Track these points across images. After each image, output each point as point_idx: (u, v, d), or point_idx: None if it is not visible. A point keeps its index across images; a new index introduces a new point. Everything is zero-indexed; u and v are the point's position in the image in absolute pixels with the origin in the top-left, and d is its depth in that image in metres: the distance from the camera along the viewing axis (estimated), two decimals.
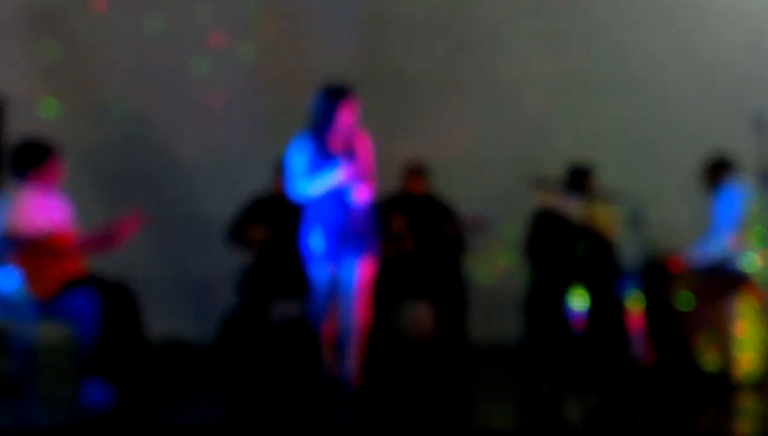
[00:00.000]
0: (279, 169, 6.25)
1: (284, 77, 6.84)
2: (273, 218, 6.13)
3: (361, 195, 4.74)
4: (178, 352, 5.76)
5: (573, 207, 4.97)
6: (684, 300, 5.17)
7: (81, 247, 4.75)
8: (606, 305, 5.51)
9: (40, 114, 6.65)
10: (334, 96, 4.76)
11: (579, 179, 5.95)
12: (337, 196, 4.74)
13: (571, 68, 6.98)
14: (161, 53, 6.80)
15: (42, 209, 4.72)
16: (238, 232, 6.13)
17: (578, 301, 4.80)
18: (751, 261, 5.26)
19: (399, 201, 6.29)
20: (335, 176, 4.68)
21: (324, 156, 4.74)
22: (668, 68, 6.86)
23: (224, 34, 6.90)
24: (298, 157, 4.79)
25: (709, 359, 5.27)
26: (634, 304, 4.93)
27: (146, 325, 4.81)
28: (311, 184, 4.74)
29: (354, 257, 4.77)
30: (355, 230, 4.76)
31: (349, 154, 4.74)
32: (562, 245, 5.58)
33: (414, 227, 6.11)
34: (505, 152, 6.80)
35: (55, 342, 4.91)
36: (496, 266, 6.84)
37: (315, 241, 4.81)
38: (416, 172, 6.37)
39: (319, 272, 4.82)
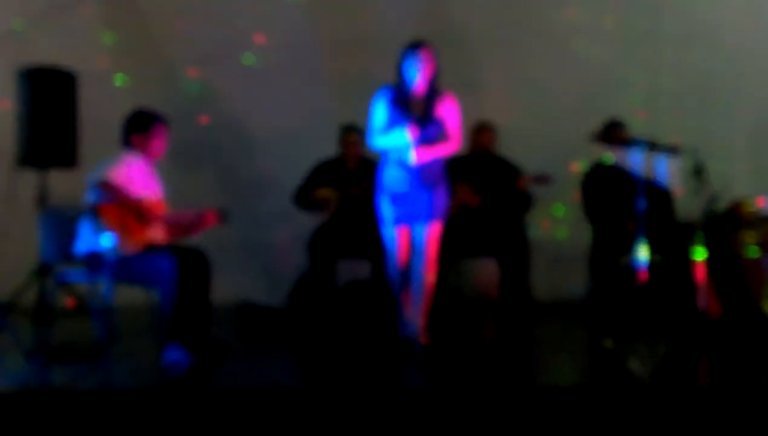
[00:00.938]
0: (344, 130, 6.36)
1: (348, 42, 6.89)
2: (340, 181, 6.24)
3: (420, 159, 4.79)
4: (251, 314, 5.91)
5: (633, 160, 4.94)
6: (750, 250, 5.14)
7: (168, 221, 4.93)
8: (670, 257, 5.50)
9: (111, 89, 6.84)
10: (409, 48, 4.81)
11: (612, 132, 5.90)
12: (398, 158, 4.83)
13: (635, 22, 6.89)
14: (227, 24, 6.91)
15: (141, 176, 4.90)
16: (304, 195, 6.26)
17: (641, 253, 4.80)
18: None
19: (466, 159, 6.32)
20: (400, 136, 4.77)
21: (401, 112, 4.81)
22: (735, 20, 6.72)
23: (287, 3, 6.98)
24: (377, 111, 4.89)
25: None
26: (699, 255, 4.92)
27: (215, 289, 4.97)
28: (382, 140, 4.85)
29: (424, 218, 4.85)
30: (423, 193, 4.83)
31: (426, 115, 4.78)
32: (623, 198, 5.57)
33: (480, 185, 6.15)
34: (567, 109, 6.76)
35: (136, 305, 5.11)
36: (558, 222, 6.85)
37: (384, 201, 4.91)
38: (484, 129, 6.40)
39: (390, 232, 4.92)
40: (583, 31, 6.87)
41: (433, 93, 4.83)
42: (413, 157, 4.79)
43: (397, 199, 4.87)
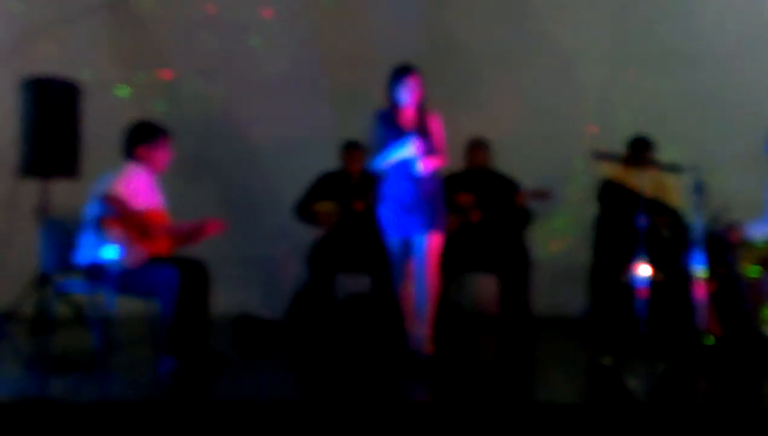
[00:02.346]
0: (346, 147, 6.38)
1: (348, 55, 6.92)
2: (342, 194, 6.24)
3: (426, 168, 4.94)
4: (249, 326, 5.91)
5: (637, 178, 4.96)
6: (750, 270, 5.14)
7: (170, 233, 4.94)
8: (671, 276, 5.50)
9: (113, 100, 6.85)
10: (398, 73, 5.01)
11: (640, 151, 5.93)
12: (408, 170, 4.96)
13: (631, 39, 6.91)
14: (229, 36, 6.93)
15: (144, 188, 4.89)
16: (305, 208, 6.26)
17: (642, 272, 4.80)
18: None
19: (463, 175, 6.35)
20: (404, 150, 4.90)
21: (396, 131, 4.97)
22: (734, 39, 6.73)
23: (287, 14, 6.99)
24: (371, 131, 5.06)
25: None
26: (699, 274, 4.92)
27: (214, 302, 4.97)
28: (381, 158, 4.99)
29: (423, 228, 4.94)
30: (424, 204, 4.96)
31: (421, 130, 4.97)
32: (627, 216, 5.57)
33: (478, 201, 6.16)
34: (564, 125, 6.78)
35: (133, 315, 5.10)
36: (558, 238, 6.85)
37: (386, 214, 5.02)
38: (478, 146, 6.42)
39: (393, 243, 5.03)
40: (581, 49, 6.88)
41: (422, 112, 5.04)
42: (420, 167, 4.92)
43: (397, 211, 4.98)
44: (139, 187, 4.85)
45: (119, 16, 7.03)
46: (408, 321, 5.03)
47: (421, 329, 4.96)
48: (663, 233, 5.73)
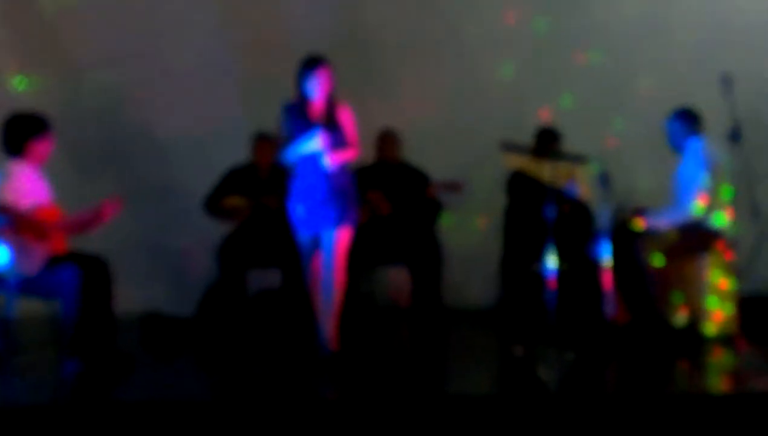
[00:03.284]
0: (256, 139, 6.29)
1: (258, 46, 6.81)
2: (251, 189, 6.16)
3: (334, 162, 4.89)
4: (158, 324, 5.79)
5: (544, 169, 5.02)
6: (655, 258, 5.26)
7: (64, 226, 4.77)
8: (579, 265, 5.60)
9: (12, 89, 6.61)
10: (307, 66, 4.95)
11: (547, 142, 6.01)
12: (317, 164, 4.90)
13: (540, 30, 6.99)
14: (135, 24, 6.75)
15: (31, 185, 4.71)
16: (214, 202, 6.16)
17: (551, 262, 4.87)
18: (720, 218, 5.35)
19: (373, 167, 6.33)
20: (311, 143, 4.85)
21: (305, 124, 4.91)
22: (634, 29, 6.87)
23: (200, 2, 6.85)
24: (282, 124, 4.99)
25: (680, 316, 5.39)
26: (606, 263, 5.01)
27: (120, 298, 4.85)
28: (290, 151, 4.93)
29: (333, 223, 4.90)
30: (334, 199, 4.91)
31: (330, 122, 4.92)
32: (535, 206, 5.64)
33: (389, 193, 6.16)
34: (476, 117, 6.81)
35: (36, 318, 4.95)
36: (469, 229, 6.89)
37: (296, 208, 4.97)
38: (388, 137, 6.41)
39: (303, 239, 4.99)
40: (493, 39, 6.93)
41: (331, 104, 4.99)
42: (327, 161, 4.87)
43: (309, 205, 4.93)
44: (25, 185, 4.67)
45: (19, 3, 6.77)
46: (318, 317, 4.98)
47: (326, 325, 4.92)
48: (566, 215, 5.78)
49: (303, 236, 5.00)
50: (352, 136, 5.00)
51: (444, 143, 6.72)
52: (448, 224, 6.59)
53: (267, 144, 6.22)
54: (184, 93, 6.73)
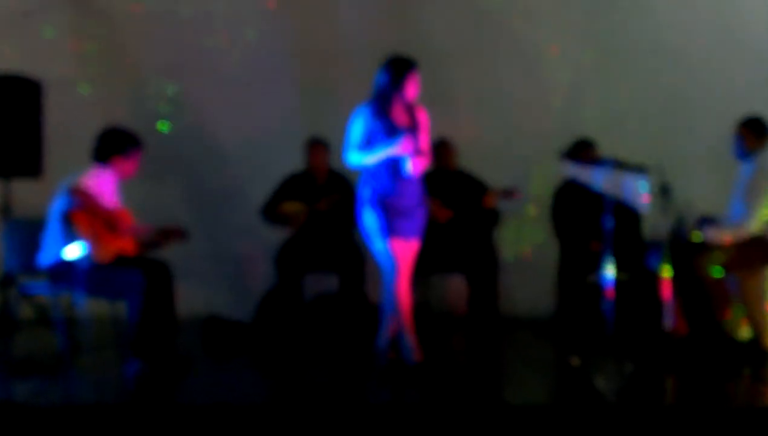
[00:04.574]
0: (310, 143, 6.34)
1: (320, 55, 6.88)
2: (308, 195, 6.21)
3: (416, 168, 4.72)
4: (218, 327, 5.86)
5: (600, 179, 4.98)
6: (713, 270, 5.19)
7: (134, 232, 4.89)
8: (637, 276, 5.54)
9: (77, 97, 6.76)
10: (401, 67, 4.72)
11: (581, 151, 5.94)
12: (393, 169, 4.70)
13: (597, 37, 6.94)
14: (196, 33, 6.86)
15: (108, 191, 4.85)
16: (272, 209, 6.22)
17: (609, 272, 4.83)
18: None
19: (431, 176, 6.32)
20: (395, 148, 4.65)
21: (387, 127, 4.72)
22: (698, 38, 6.79)
23: (256, 11, 6.94)
24: (356, 126, 4.76)
25: (741, 329, 5.30)
26: (665, 274, 4.96)
27: (181, 302, 4.92)
28: (367, 155, 4.71)
29: (416, 234, 4.76)
30: (417, 209, 4.77)
31: (412, 126, 4.73)
32: (589, 216, 5.61)
33: (446, 201, 6.16)
34: (533, 126, 6.80)
35: (97, 317, 5.03)
36: (526, 239, 6.87)
37: (374, 215, 4.73)
38: (444, 147, 6.41)
39: (379, 246, 4.74)
40: (550, 49, 6.90)
41: (412, 107, 4.80)
42: (410, 168, 4.69)
43: (394, 212, 4.70)
44: (103, 189, 4.80)
45: (82, 11, 6.93)
46: (409, 330, 4.75)
47: (407, 336, 4.77)
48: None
49: (386, 242, 4.69)
50: (426, 144, 4.79)
51: (501, 152, 6.71)
52: (505, 233, 6.58)
53: (321, 149, 6.27)
54: (243, 100, 6.82)
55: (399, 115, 4.77)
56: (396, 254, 4.70)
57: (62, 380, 4.59)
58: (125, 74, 6.87)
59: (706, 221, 5.29)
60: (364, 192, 4.77)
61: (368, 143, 4.74)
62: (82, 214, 4.65)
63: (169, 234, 4.96)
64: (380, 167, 4.72)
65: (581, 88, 6.89)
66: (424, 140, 4.77)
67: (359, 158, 4.74)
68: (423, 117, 4.81)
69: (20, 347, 4.97)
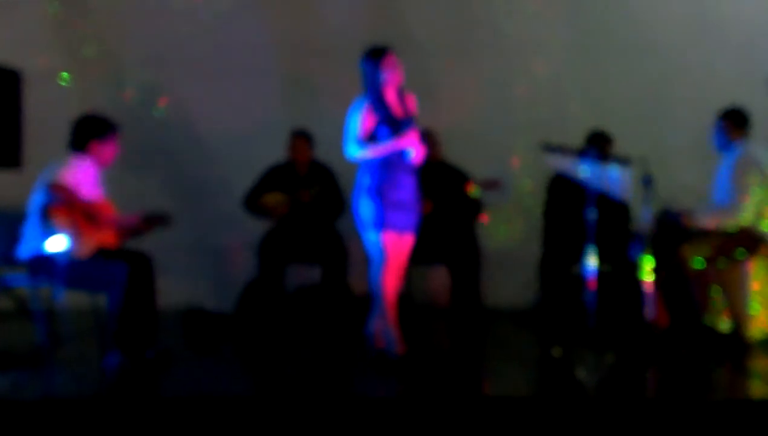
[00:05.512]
0: (293, 136, 6.32)
1: (302, 47, 6.85)
2: (290, 186, 6.19)
3: (418, 157, 4.70)
4: (199, 319, 5.84)
5: (585, 171, 4.98)
6: (697, 261, 5.21)
7: (115, 223, 4.85)
8: (619, 267, 5.56)
9: (57, 88, 6.71)
10: (375, 54, 4.68)
11: (599, 145, 5.93)
12: (392, 160, 4.66)
13: (582, 32, 6.95)
14: (178, 24, 6.81)
15: (88, 181, 4.80)
16: (253, 200, 6.20)
17: (591, 263, 4.84)
18: (766, 223, 5.28)
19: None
20: (401, 140, 4.62)
21: (387, 118, 4.67)
22: (679, 31, 6.81)
23: (239, 3, 6.90)
24: (355, 120, 4.70)
25: (722, 320, 5.33)
26: (647, 265, 4.97)
27: (162, 293, 4.90)
28: (372, 149, 4.65)
29: (413, 227, 4.75)
30: (415, 202, 4.75)
31: (408, 115, 4.70)
32: (575, 208, 5.61)
33: (429, 193, 6.15)
34: (516, 117, 6.81)
35: (76, 309, 5.00)
36: (508, 229, 6.87)
37: (366, 205, 4.69)
38: (429, 138, 6.39)
39: (372, 237, 4.70)
40: (534, 41, 6.90)
41: (401, 95, 4.76)
42: (414, 157, 4.66)
43: (392, 205, 4.66)
44: (83, 179, 4.76)
45: (63, 1, 6.87)
46: (392, 321, 4.73)
47: (389, 328, 4.76)
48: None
49: (380, 234, 4.65)
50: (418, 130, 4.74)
51: (483, 144, 6.71)
52: (487, 224, 6.58)
53: (304, 141, 6.26)
54: (226, 92, 6.79)
55: (394, 105, 4.72)
56: (387, 246, 4.68)
57: (42, 372, 4.56)
58: (105, 65, 6.82)
59: (685, 214, 5.29)
60: (364, 181, 4.72)
61: (371, 137, 4.67)
62: (61, 209, 4.62)
63: (152, 221, 4.92)
64: (380, 158, 4.67)
65: (564, 80, 6.89)
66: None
67: (360, 151, 4.68)
68: (412, 103, 4.78)
69: None
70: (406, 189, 4.70)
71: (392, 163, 4.67)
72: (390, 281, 4.71)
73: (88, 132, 4.85)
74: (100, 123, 4.90)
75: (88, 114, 4.96)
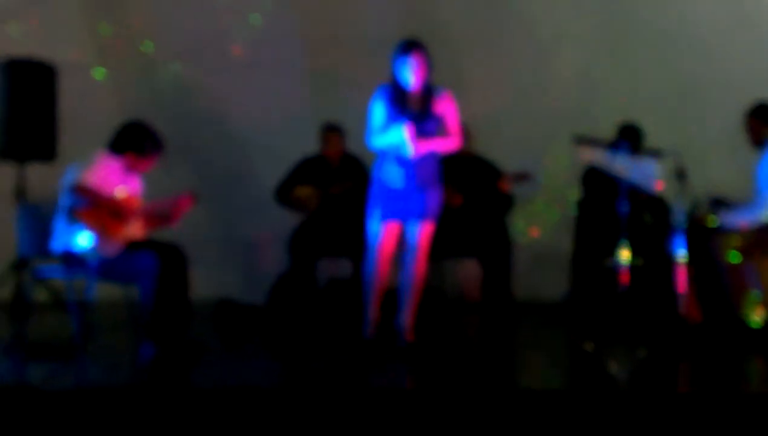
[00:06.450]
0: (325, 129, 6.33)
1: (330, 39, 6.86)
2: (322, 179, 6.20)
3: (419, 152, 4.74)
4: (230, 311, 5.87)
5: (619, 164, 4.94)
6: (731, 256, 5.15)
7: (143, 213, 4.87)
8: (652, 261, 5.51)
9: (91, 81, 6.77)
10: (400, 51, 4.74)
11: (632, 137, 5.88)
12: (400, 154, 4.75)
13: (613, 21, 6.89)
14: (208, 18, 6.85)
15: (114, 177, 4.82)
16: (285, 192, 6.22)
17: (624, 257, 4.80)
18: None
19: (445, 161, 6.30)
20: (395, 134, 4.71)
21: (398, 111, 4.75)
22: (713, 21, 6.73)
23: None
24: (375, 109, 4.81)
25: (756, 315, 5.26)
26: (680, 260, 4.92)
27: (194, 285, 4.93)
28: (378, 139, 4.79)
29: (418, 216, 4.82)
30: (419, 191, 4.80)
31: (424, 112, 4.76)
32: (608, 201, 5.57)
33: (460, 186, 6.14)
34: (548, 110, 6.77)
35: (111, 301, 5.06)
36: (539, 222, 6.85)
37: (376, 197, 4.83)
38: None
39: (376, 228, 4.83)
40: (565, 33, 6.86)
41: (428, 91, 4.79)
42: (411, 150, 4.71)
43: (391, 195, 4.80)
44: (109, 176, 4.78)
45: None
46: (374, 305, 4.89)
47: (404, 316, 4.90)
48: (645, 218, 5.73)
49: (376, 224, 4.84)
50: (453, 126, 4.81)
51: (515, 137, 6.69)
52: (518, 217, 6.55)
53: (336, 135, 6.27)
54: (256, 85, 6.81)
55: (411, 100, 4.77)
56: (378, 235, 4.82)
57: (76, 363, 4.61)
58: (138, 59, 6.87)
59: (718, 203, 5.25)
60: (374, 173, 4.89)
61: (385, 127, 4.78)
62: (86, 211, 4.65)
63: (179, 203, 4.90)
64: (386, 152, 4.80)
65: (596, 72, 6.84)
66: (450, 124, 4.80)
67: (377, 142, 4.80)
68: (444, 102, 4.81)
69: (34, 330, 4.98)
70: (404, 180, 4.76)
71: (388, 154, 4.78)
72: (381, 269, 4.85)
73: (130, 142, 4.85)
74: (146, 138, 4.86)
75: (139, 123, 4.93)
